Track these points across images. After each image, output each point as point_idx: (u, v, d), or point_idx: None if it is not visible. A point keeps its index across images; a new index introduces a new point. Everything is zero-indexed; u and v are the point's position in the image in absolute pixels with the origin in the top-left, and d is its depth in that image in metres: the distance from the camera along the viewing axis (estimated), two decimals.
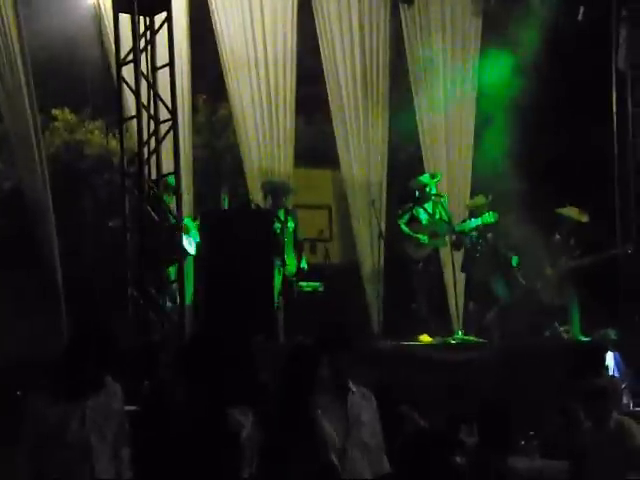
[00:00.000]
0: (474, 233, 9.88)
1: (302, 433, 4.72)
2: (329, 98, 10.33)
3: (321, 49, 10.23)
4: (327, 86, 10.29)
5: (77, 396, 4.61)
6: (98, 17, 9.02)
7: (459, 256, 10.05)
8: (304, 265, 9.45)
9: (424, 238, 9.71)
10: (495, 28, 10.71)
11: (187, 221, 8.95)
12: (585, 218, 9.89)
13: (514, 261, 9.93)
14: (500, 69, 10.45)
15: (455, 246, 9.88)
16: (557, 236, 9.99)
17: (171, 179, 8.40)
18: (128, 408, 4.87)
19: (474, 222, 9.84)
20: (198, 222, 8.99)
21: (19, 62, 8.48)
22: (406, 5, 10.54)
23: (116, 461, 4.71)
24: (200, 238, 8.84)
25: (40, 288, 8.64)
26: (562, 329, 9.86)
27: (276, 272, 9.05)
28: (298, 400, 4.76)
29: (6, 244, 8.92)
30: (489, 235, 9.90)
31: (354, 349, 5.18)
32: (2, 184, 10.17)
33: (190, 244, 8.91)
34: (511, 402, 6.37)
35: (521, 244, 9.83)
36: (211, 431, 4.49)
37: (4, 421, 4.78)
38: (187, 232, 8.83)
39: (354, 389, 5.12)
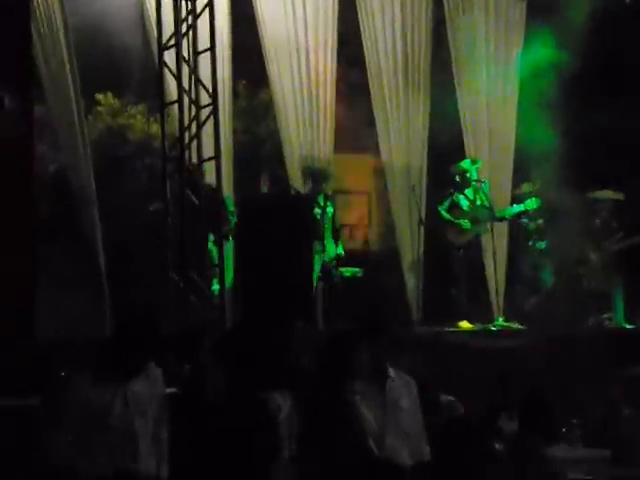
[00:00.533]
0: (524, 219, 9.84)
1: (340, 418, 4.73)
2: (370, 83, 10.28)
3: (362, 34, 10.17)
4: (368, 71, 10.25)
5: (120, 379, 4.65)
6: (140, 1, 9.04)
7: (501, 242, 10.00)
8: (340, 251, 9.45)
9: (466, 224, 9.67)
10: (540, 12, 10.59)
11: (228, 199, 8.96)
12: (621, 197, 9.79)
13: (541, 245, 9.86)
14: (544, 54, 10.33)
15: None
16: (597, 220, 9.89)
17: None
18: (168, 391, 4.91)
19: (516, 208, 9.79)
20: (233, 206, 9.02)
21: (63, 47, 8.55)
22: None
23: (157, 444, 4.75)
24: (239, 223, 8.86)
25: (83, 271, 8.73)
26: (605, 316, 9.76)
27: (316, 257, 9.06)
28: (336, 385, 4.77)
29: (50, 227, 9.01)
30: (539, 221, 9.84)
31: (393, 335, 5.17)
32: (46, 168, 10.25)
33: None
34: (553, 390, 6.35)
35: (561, 229, 9.76)
36: (249, 413, 4.53)
37: (48, 402, 4.82)
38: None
39: (393, 375, 5.12)
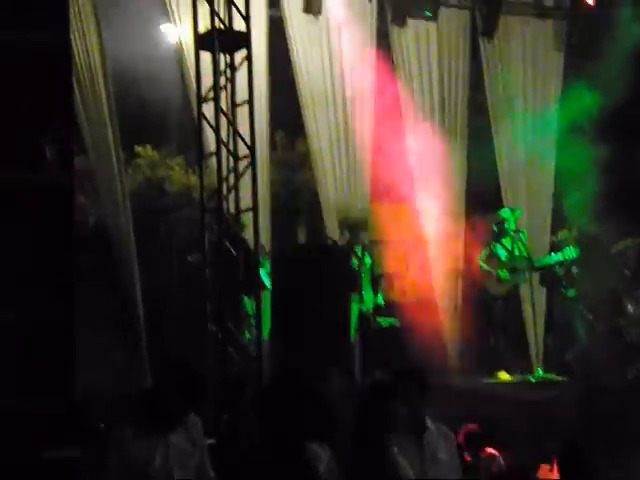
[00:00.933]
0: (559, 269, 9.76)
1: (377, 470, 4.68)
2: (406, 132, 10.32)
3: (399, 84, 10.25)
4: (404, 120, 10.30)
5: (160, 431, 4.65)
6: (180, 55, 9.18)
7: (539, 292, 9.92)
8: (380, 301, 9.42)
9: (504, 274, 9.61)
10: (578, 62, 10.60)
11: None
12: None
13: (571, 293, 9.76)
14: (582, 101, 10.31)
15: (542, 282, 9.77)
16: (626, 272, 9.80)
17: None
18: (208, 442, 4.90)
19: (555, 257, 9.73)
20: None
21: (104, 99, 8.70)
22: (486, 38, 10.52)
23: None
24: (277, 273, 8.88)
25: (121, 322, 8.78)
26: None
27: (353, 307, 9.04)
28: (374, 436, 4.73)
29: (90, 279, 9.08)
30: (575, 270, 9.76)
31: (431, 386, 5.13)
32: (86, 219, 10.37)
33: (266, 278, 8.97)
34: (593, 442, 6.23)
35: (596, 280, 9.67)
36: (291, 464, 4.49)
37: (89, 454, 4.83)
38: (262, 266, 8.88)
39: (431, 427, 5.06)
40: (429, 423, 5.08)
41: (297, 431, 4.64)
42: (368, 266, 9.40)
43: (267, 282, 8.95)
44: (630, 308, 9.75)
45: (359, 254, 9.33)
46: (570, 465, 5.15)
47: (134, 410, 4.75)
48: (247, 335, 8.47)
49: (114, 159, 8.78)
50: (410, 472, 4.80)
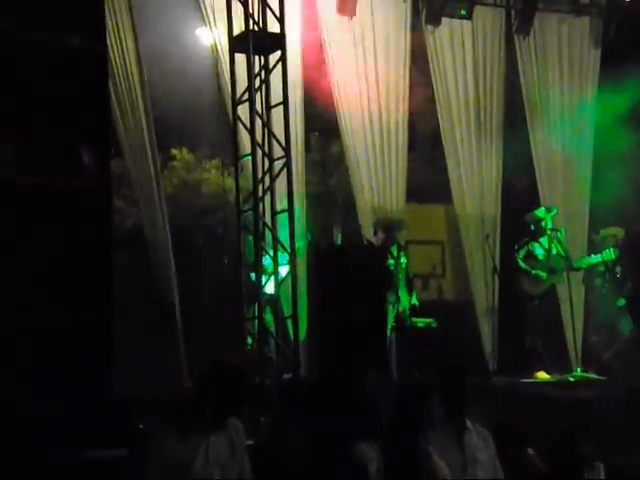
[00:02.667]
0: (601, 267, 9.67)
1: (414, 470, 4.67)
2: (441, 133, 10.30)
3: (434, 84, 10.22)
4: (440, 120, 10.27)
5: (202, 433, 4.67)
6: (214, 58, 9.23)
7: (578, 291, 9.83)
8: (415, 301, 9.40)
9: (543, 274, 9.55)
10: (614, 59, 10.51)
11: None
12: None
13: (621, 302, 9.67)
14: (619, 99, 10.21)
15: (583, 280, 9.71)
16: None
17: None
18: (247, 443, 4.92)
19: (594, 258, 9.66)
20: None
21: (140, 102, 8.77)
22: (521, 37, 10.46)
23: None
24: (313, 274, 8.89)
25: (159, 324, 8.83)
26: None
27: (389, 308, 9.03)
28: (411, 436, 4.73)
29: (128, 281, 9.14)
30: (617, 269, 9.67)
31: (470, 387, 5.11)
32: (123, 222, 10.44)
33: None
34: (632, 441, 6.16)
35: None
36: (341, 465, 4.51)
37: (132, 454, 4.87)
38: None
39: (470, 427, 5.04)
40: (468, 424, 5.06)
41: (346, 431, 4.66)
42: (404, 266, 9.38)
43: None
44: None
45: (395, 254, 9.31)
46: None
47: (176, 412, 4.78)
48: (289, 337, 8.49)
49: (150, 162, 8.84)
50: (447, 473, 4.78)
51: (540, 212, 9.83)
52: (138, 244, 9.38)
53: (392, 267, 9.20)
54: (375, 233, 9.56)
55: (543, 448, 6.15)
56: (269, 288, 8.41)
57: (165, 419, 4.74)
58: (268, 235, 8.38)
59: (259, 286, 8.15)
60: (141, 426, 5.39)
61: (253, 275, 8.25)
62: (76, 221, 5.21)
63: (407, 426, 4.77)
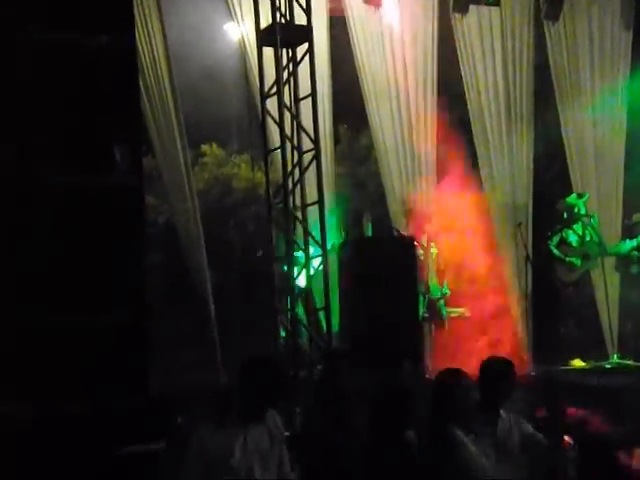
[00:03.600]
0: (636, 253, 9.60)
1: (449, 458, 4.69)
2: (471, 121, 10.25)
3: (462, 72, 10.17)
4: (469, 109, 10.22)
5: (240, 426, 4.70)
6: (242, 52, 9.25)
7: (613, 277, 9.77)
8: (446, 291, 9.39)
9: (577, 261, 9.50)
10: None
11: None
12: None
13: None
14: None
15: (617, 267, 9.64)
16: None
17: None
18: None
19: (629, 244, 9.59)
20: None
21: (170, 100, 8.80)
22: (551, 22, 10.37)
23: None
24: (344, 266, 8.91)
25: (193, 319, 8.89)
26: None
27: (420, 298, 9.03)
28: (445, 424, 4.75)
29: (161, 277, 9.22)
30: None
31: (513, 384, 5.12)
32: (156, 219, 10.52)
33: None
34: None
35: None
36: (395, 451, 4.57)
37: (171, 448, 4.92)
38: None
39: (504, 415, 5.05)
40: (502, 412, 5.07)
41: (400, 419, 4.73)
42: (434, 256, 9.37)
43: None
44: None
45: (424, 244, 9.30)
46: None
47: (214, 405, 4.82)
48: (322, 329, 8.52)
49: (181, 158, 8.88)
50: (482, 460, 4.79)
51: (572, 199, 9.77)
52: (170, 240, 9.45)
53: (422, 257, 9.20)
54: (407, 224, 9.55)
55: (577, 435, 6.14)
56: (301, 281, 8.45)
57: (203, 413, 4.78)
58: (300, 228, 8.42)
59: (291, 278, 8.18)
60: (179, 420, 5.44)
61: (286, 267, 8.29)
62: (109, 219, 5.25)
63: (445, 414, 4.80)
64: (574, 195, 9.88)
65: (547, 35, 10.38)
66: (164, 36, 8.82)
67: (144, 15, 8.66)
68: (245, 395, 4.72)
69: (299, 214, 8.45)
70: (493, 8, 10.17)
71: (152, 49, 8.74)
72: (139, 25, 8.45)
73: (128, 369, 5.10)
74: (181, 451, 4.69)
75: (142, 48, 8.61)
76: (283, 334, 8.36)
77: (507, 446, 4.97)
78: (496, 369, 5.16)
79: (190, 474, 4.63)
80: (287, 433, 4.93)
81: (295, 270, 8.29)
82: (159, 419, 5.19)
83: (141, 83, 8.32)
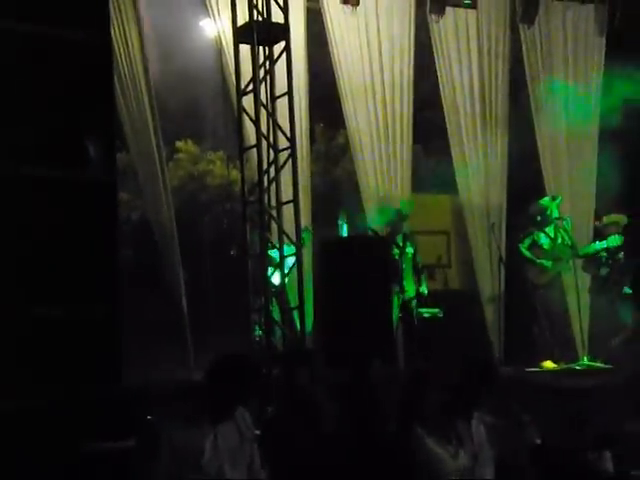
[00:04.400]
0: (604, 254, 9.66)
1: (406, 457, 4.72)
2: (446, 122, 10.28)
3: (438, 73, 10.21)
4: (444, 110, 10.26)
5: (210, 423, 4.68)
6: (219, 50, 9.23)
7: (583, 280, 9.83)
8: (424, 290, 9.40)
9: (548, 263, 9.55)
10: (619, 46, 10.48)
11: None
12: None
13: (616, 280, 9.65)
14: (624, 88, 10.18)
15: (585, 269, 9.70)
16: None
17: None
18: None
19: (599, 245, 9.65)
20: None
21: (144, 94, 8.77)
22: (526, 25, 10.44)
23: None
24: (319, 265, 8.91)
25: (166, 317, 8.86)
26: None
27: (395, 298, 9.04)
28: (403, 424, 4.77)
29: (133, 274, 9.18)
30: (619, 256, 9.66)
31: (494, 380, 5.11)
32: (129, 215, 10.48)
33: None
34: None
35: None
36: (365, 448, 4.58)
37: (142, 445, 4.90)
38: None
39: (476, 415, 5.06)
40: (476, 414, 5.08)
41: (368, 416, 4.74)
42: (410, 256, 9.38)
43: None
44: None
45: (400, 244, 9.32)
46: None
47: (184, 402, 4.80)
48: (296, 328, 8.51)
49: (156, 155, 8.84)
50: (446, 460, 4.80)
51: (545, 201, 9.82)
52: (144, 236, 9.41)
53: (397, 257, 9.21)
54: (383, 223, 9.55)
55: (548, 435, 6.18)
56: (276, 279, 8.44)
57: (174, 411, 4.76)
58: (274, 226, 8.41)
59: (265, 277, 8.18)
60: (149, 417, 5.41)
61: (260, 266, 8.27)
62: (82, 214, 5.22)
63: (402, 414, 4.81)
64: (547, 198, 9.94)
65: (522, 38, 10.46)
66: (140, 32, 8.79)
67: (119, 10, 8.62)
68: (215, 393, 4.71)
69: (274, 212, 8.44)
70: (470, 10, 10.22)
71: (127, 44, 8.71)
72: (114, 19, 8.42)
73: (100, 365, 5.07)
74: (152, 449, 4.66)
75: (117, 43, 8.58)
76: (257, 332, 8.35)
77: (484, 448, 4.97)
78: (476, 369, 5.14)
79: (160, 473, 4.62)
80: (257, 432, 4.92)
81: (269, 269, 8.29)
82: (130, 417, 5.16)
83: (116, 78, 8.28)
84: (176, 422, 4.68)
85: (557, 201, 9.78)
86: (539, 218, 9.71)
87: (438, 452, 4.76)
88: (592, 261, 9.81)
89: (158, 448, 4.64)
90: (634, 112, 9.99)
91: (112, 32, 7.65)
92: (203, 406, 4.71)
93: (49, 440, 4.76)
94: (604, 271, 9.76)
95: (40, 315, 4.95)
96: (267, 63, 8.44)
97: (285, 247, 8.41)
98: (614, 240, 9.55)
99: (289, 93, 8.41)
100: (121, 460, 4.89)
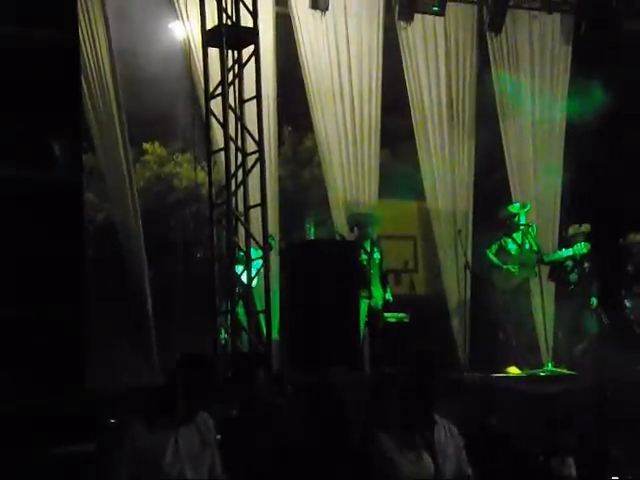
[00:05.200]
0: (569, 262, 9.74)
1: (366, 464, 4.72)
2: (414, 128, 10.32)
3: (406, 79, 10.25)
4: (412, 116, 10.30)
5: (171, 426, 4.66)
6: (187, 52, 9.20)
7: (549, 286, 9.90)
8: (389, 296, 9.42)
9: (514, 269, 9.61)
10: (585, 56, 10.59)
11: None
12: None
13: (580, 287, 9.75)
14: (590, 97, 10.27)
15: (551, 277, 9.77)
16: (629, 267, 9.78)
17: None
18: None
19: (565, 252, 9.72)
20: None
21: (112, 96, 8.73)
22: (493, 33, 10.52)
23: None
24: (285, 269, 8.90)
25: (131, 318, 8.80)
26: None
27: (362, 303, 9.04)
28: (365, 432, 4.78)
29: (98, 276, 9.10)
30: (585, 265, 9.74)
31: (440, 380, 5.13)
32: (95, 216, 10.40)
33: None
34: (605, 435, 6.22)
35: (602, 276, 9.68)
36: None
37: (103, 449, 4.86)
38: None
39: (439, 422, 5.06)
40: (437, 418, 5.08)
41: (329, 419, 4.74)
42: (377, 261, 9.40)
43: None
44: (627, 303, 9.73)
45: (368, 249, 9.33)
46: (586, 460, 5.16)
47: (146, 405, 4.76)
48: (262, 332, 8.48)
49: (122, 156, 8.80)
50: (403, 465, 4.79)
51: (514, 207, 9.88)
52: (109, 238, 9.35)
53: (365, 262, 9.22)
54: (351, 230, 9.56)
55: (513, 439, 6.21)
56: (245, 279, 8.42)
57: (137, 413, 4.72)
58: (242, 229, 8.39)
59: (231, 280, 8.16)
60: (112, 420, 5.37)
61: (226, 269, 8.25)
62: (46, 215, 5.17)
63: (375, 420, 4.81)
64: (517, 204, 10.00)
65: (490, 47, 10.54)
66: (107, 33, 8.75)
67: (87, 10, 8.58)
68: (177, 394, 4.68)
69: (241, 216, 8.42)
70: (438, 18, 10.27)
71: (95, 45, 8.67)
72: (82, 20, 8.36)
73: (63, 367, 5.03)
74: (112, 452, 4.63)
75: (85, 44, 8.53)
76: (223, 335, 8.32)
77: (446, 453, 4.96)
78: (417, 368, 5.13)
79: (122, 475, 4.58)
80: (219, 436, 4.89)
81: (239, 267, 8.27)
82: (92, 419, 5.12)
83: (83, 79, 8.23)
84: (139, 424, 4.64)
85: (527, 208, 9.85)
86: (508, 224, 9.76)
87: (394, 458, 4.76)
88: (558, 269, 9.87)
89: (120, 450, 4.60)
90: (600, 119, 10.08)
91: (80, 33, 7.59)
92: (164, 407, 4.68)
93: (10, 441, 4.71)
94: (573, 278, 9.83)
95: (5, 316, 4.91)
96: (236, 67, 8.43)
97: (252, 250, 8.39)
98: (580, 248, 9.62)
99: (257, 97, 8.41)
100: (82, 463, 4.86)
